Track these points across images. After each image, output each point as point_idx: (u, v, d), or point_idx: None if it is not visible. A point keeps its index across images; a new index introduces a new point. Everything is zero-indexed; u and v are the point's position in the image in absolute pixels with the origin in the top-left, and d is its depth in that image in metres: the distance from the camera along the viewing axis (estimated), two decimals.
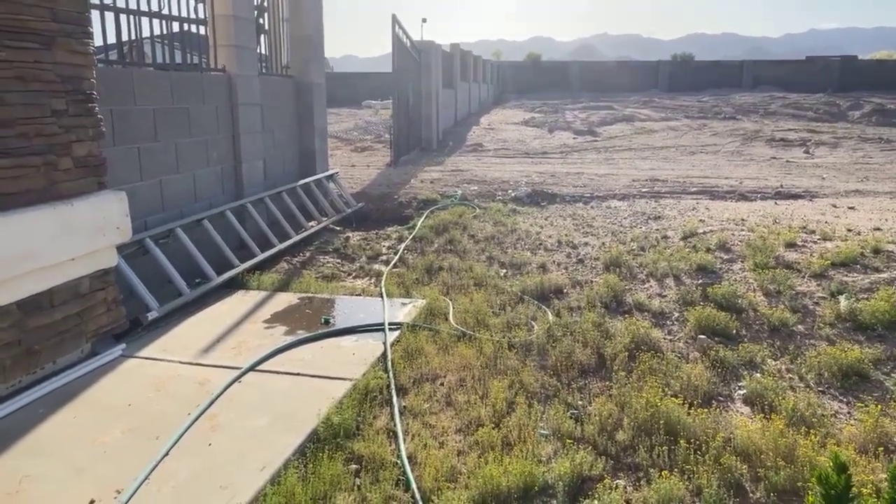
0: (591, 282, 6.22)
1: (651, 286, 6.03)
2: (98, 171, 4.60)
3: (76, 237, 4.30)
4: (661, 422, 3.61)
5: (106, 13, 5.81)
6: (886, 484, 2.14)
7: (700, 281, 6.01)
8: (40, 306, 4.15)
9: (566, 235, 7.85)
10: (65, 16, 4.27)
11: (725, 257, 6.59)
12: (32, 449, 3.50)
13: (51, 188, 4.20)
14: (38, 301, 4.12)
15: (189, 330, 5.22)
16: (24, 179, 4.00)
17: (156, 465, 3.29)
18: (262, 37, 8.82)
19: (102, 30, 5.79)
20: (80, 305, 4.48)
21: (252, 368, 4.44)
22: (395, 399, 4.01)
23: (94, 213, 4.45)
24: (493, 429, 3.65)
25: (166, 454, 3.40)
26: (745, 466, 3.31)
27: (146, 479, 3.19)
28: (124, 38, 6.08)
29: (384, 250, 7.73)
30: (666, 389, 4.03)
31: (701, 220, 8.21)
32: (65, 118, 4.29)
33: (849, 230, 7.33)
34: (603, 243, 7.44)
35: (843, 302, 5.28)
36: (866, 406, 3.83)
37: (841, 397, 4.15)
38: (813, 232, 7.26)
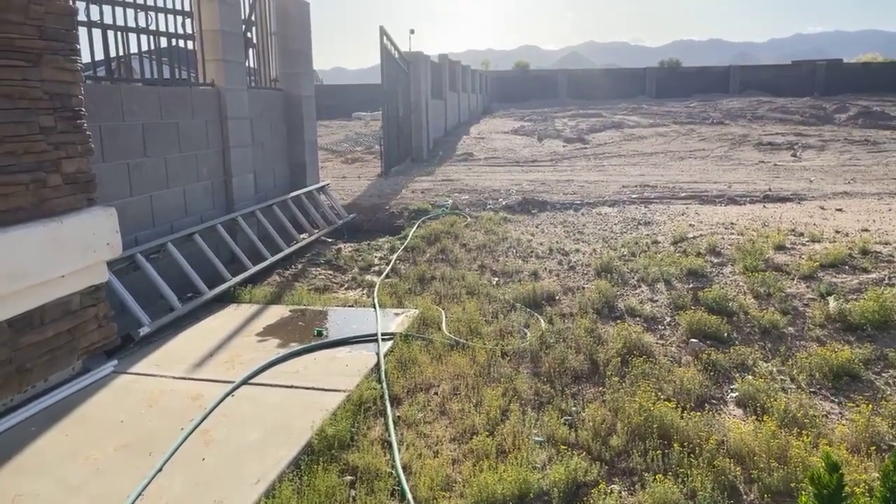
0: (583, 288, 6.24)
1: (642, 291, 6.06)
2: (87, 188, 4.60)
3: (66, 254, 4.29)
4: (655, 426, 3.62)
5: (93, 30, 5.82)
6: (879, 483, 2.15)
7: (691, 285, 6.04)
8: (31, 324, 4.14)
9: (557, 243, 7.88)
10: (52, 33, 4.27)
11: (716, 261, 6.63)
12: (25, 467, 3.48)
13: (40, 205, 4.20)
14: (28, 319, 4.11)
15: (181, 345, 5.20)
16: (13, 197, 4.00)
17: (149, 482, 3.27)
18: (251, 51, 8.85)
19: (90, 46, 5.80)
20: (72, 322, 4.46)
21: (245, 382, 4.43)
22: (389, 409, 4.01)
23: (83, 229, 4.44)
24: (488, 437, 3.65)
25: (159, 470, 3.38)
26: (738, 468, 3.33)
27: (139, 495, 3.17)
28: (112, 54, 6.09)
29: (376, 261, 7.74)
30: (659, 394, 4.04)
31: (691, 225, 8.26)
32: (53, 135, 4.29)
33: (837, 232, 7.39)
34: (594, 250, 7.47)
35: (833, 303, 5.32)
36: (857, 406, 3.85)
37: (832, 398, 4.17)
38: (801, 234, 7.32)
